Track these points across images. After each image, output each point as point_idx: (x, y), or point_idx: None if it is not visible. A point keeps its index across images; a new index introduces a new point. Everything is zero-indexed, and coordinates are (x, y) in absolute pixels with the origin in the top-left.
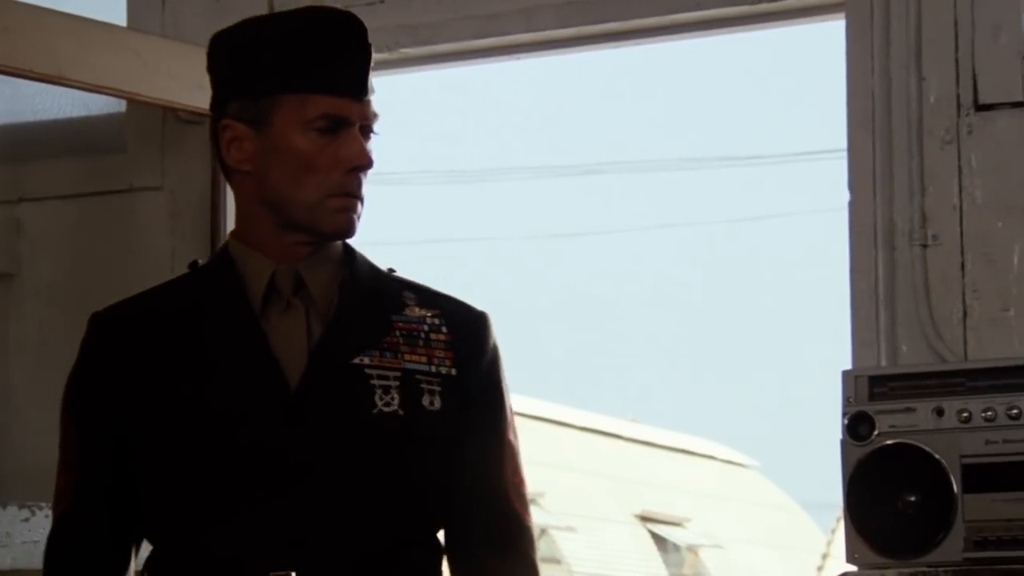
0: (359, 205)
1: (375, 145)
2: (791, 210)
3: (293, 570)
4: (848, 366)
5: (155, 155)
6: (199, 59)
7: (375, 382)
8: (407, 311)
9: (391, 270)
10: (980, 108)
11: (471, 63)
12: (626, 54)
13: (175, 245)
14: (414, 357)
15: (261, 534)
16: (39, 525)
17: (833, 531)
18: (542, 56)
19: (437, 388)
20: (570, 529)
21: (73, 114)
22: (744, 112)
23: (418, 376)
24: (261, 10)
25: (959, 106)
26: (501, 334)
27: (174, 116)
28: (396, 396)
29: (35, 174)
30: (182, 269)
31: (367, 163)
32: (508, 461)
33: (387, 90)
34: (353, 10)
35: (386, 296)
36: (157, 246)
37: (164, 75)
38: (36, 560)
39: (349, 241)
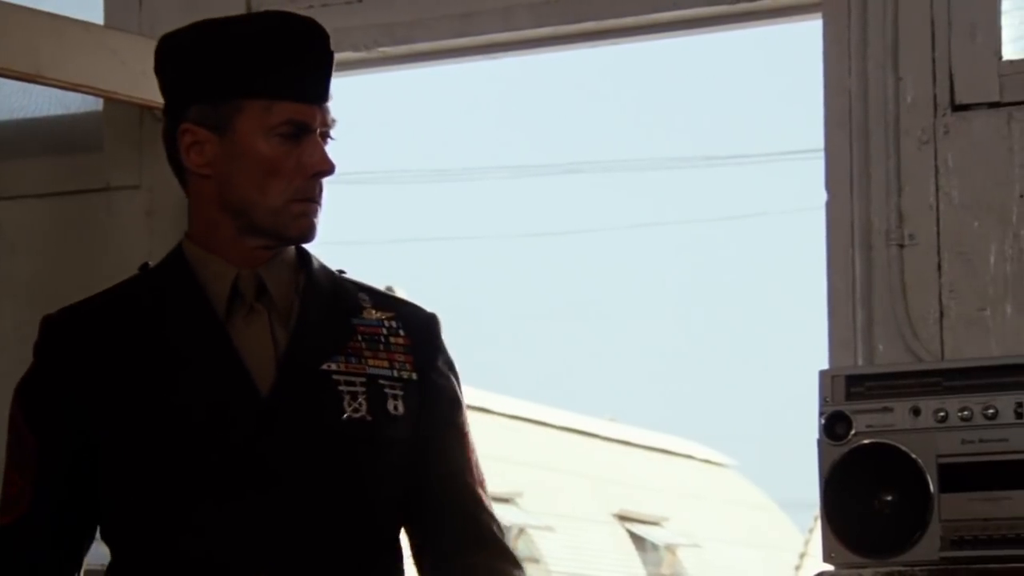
0: (319, 210)
1: (333, 148)
2: (770, 209)
3: (265, 574)
4: (825, 366)
5: (132, 154)
6: None
7: (343, 388)
8: (365, 314)
9: (341, 271)
10: (957, 108)
11: (449, 62)
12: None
13: (153, 244)
14: (376, 362)
15: (233, 538)
16: None
17: (811, 530)
18: (520, 55)
19: (400, 392)
20: (548, 528)
21: (50, 112)
22: (723, 112)
23: (381, 381)
24: (239, 9)
25: (936, 106)
26: (480, 333)
27: (151, 115)
28: (363, 402)
29: (12, 173)
30: None
31: (329, 169)
32: (471, 456)
33: (365, 89)
34: (331, 9)
35: (344, 299)
36: (134, 245)
37: (141, 74)
38: None
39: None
